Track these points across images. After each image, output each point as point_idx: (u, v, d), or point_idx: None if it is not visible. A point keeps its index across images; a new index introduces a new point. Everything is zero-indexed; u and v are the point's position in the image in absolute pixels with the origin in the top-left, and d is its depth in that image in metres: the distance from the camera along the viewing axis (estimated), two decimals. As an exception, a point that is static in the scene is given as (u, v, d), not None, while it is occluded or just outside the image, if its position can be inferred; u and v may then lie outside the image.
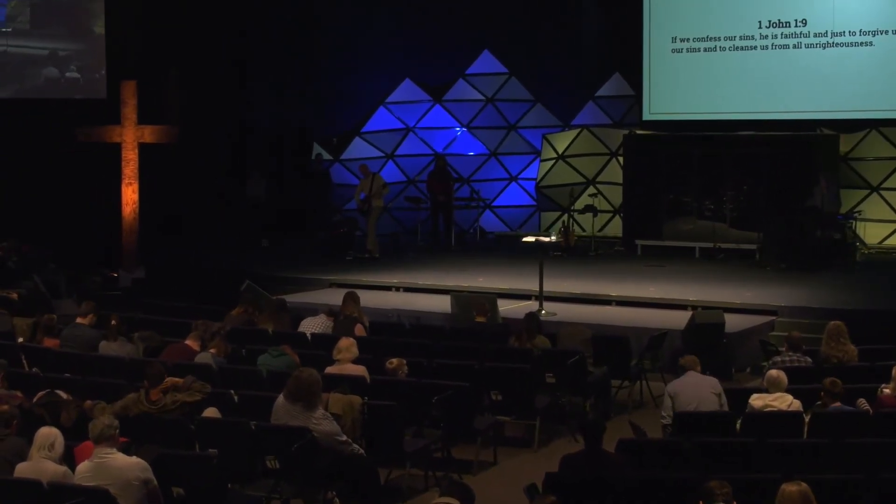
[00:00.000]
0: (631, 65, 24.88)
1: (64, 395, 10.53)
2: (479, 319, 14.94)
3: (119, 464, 8.47)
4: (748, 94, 23.34)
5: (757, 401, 10.55)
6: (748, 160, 22.05)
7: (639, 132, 24.23)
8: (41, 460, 8.51)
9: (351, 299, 14.83)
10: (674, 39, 24.08)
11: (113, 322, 13.38)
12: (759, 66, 23.22)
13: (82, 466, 8.53)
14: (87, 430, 8.77)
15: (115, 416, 9.19)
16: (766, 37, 23.17)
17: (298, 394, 9.81)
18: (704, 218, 22.41)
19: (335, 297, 16.90)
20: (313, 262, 21.73)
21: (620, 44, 25.41)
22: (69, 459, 8.83)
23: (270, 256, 22.95)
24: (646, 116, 24.64)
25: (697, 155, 22.68)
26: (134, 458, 8.57)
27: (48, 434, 8.63)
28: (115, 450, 8.53)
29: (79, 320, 13.85)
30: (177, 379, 10.59)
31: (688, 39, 23.94)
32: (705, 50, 23.82)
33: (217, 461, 9.16)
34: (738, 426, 10.37)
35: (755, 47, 23.28)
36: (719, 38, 23.62)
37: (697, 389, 10.91)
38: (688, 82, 24.02)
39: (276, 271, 20.54)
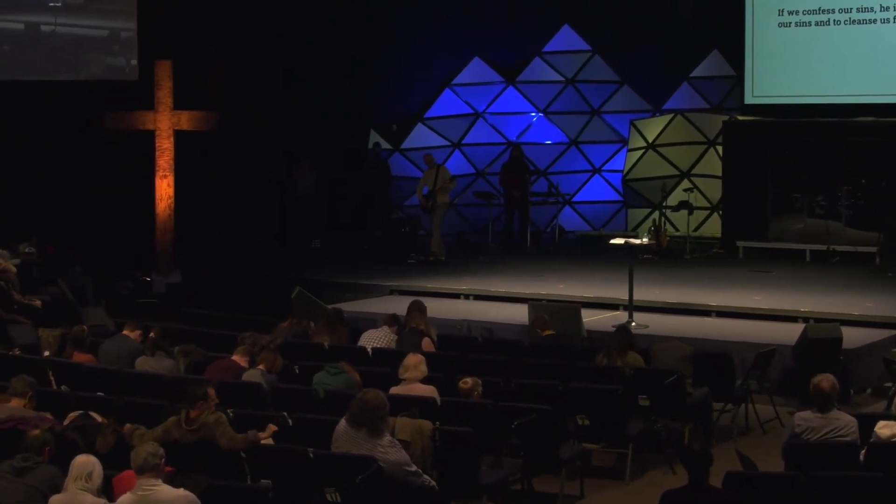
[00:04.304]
0: (731, 41, 24.73)
1: (98, 417, 10.65)
2: (547, 333, 14.97)
3: (164, 497, 8.56)
4: (867, 74, 23.09)
5: (884, 429, 10.43)
6: (867, 150, 21.90)
7: (740, 118, 24.12)
8: (77, 492, 8.60)
9: (417, 310, 14.89)
10: (781, 12, 23.89)
11: (152, 335, 13.51)
12: (880, 41, 22.97)
13: (124, 499, 8.62)
14: (125, 458, 8.87)
15: (157, 441, 9.29)
16: (888, 8, 22.92)
17: (363, 418, 9.87)
18: (816, 216, 22.29)
19: (396, 306, 16.97)
20: (371, 266, 21.86)
21: (719, 17, 25.29)
22: (107, 490, 8.93)
23: (323, 259, 23.10)
24: (748, 100, 24.48)
25: (808, 144, 22.55)
26: (181, 491, 8.66)
27: (85, 463, 8.73)
28: (159, 481, 8.61)
29: (125, 332, 13.98)
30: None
31: (797, 12, 23.74)
32: (817, 24, 23.61)
33: (271, 494, 9.23)
34: (861, 458, 10.30)
35: (875, 21, 23.04)
36: (833, 11, 23.40)
37: (828, 435, 10.65)
38: (797, 61, 23.83)
39: (329, 276, 20.69)
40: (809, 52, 23.68)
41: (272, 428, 10.42)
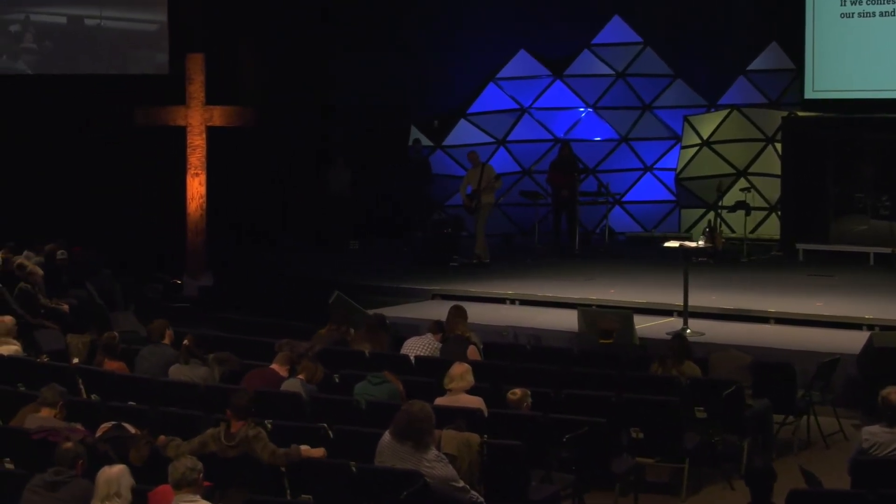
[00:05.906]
0: (791, 33, 24.64)
1: (132, 428, 10.70)
2: (604, 342, 14.96)
3: (204, 513, 8.64)
4: (936, 68, 23.04)
5: (955, 445, 10.43)
6: (934, 148, 21.85)
7: (800, 114, 24.04)
8: (110, 510, 8.69)
9: (459, 315, 14.86)
10: (843, 2, 23.79)
11: (186, 342, 13.56)
12: (948, 33, 22.92)
13: (161, 514, 8.71)
14: (160, 471, 8.92)
15: (193, 454, 9.33)
16: (958, -2, 22.89)
17: (408, 431, 9.88)
18: (880, 217, 22.22)
19: (438, 311, 16.99)
20: (412, 269, 21.94)
21: (778, 7, 25.22)
22: (141, 504, 9.01)
23: (361, 262, 23.16)
24: (808, 95, 24.39)
25: (872, 141, 22.49)
26: (220, 506, 8.75)
27: (110, 478, 8.71)
28: (198, 497, 8.66)
29: (166, 341, 14.05)
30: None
31: (860, 2, 23.64)
32: (882, 14, 23.50)
33: (312, 510, 9.30)
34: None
35: (943, 11, 23.00)
36: (899, 1, 23.36)
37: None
38: (860, 54, 23.71)
39: (367, 280, 20.76)
40: (874, 45, 23.56)
41: (321, 451, 10.42)
